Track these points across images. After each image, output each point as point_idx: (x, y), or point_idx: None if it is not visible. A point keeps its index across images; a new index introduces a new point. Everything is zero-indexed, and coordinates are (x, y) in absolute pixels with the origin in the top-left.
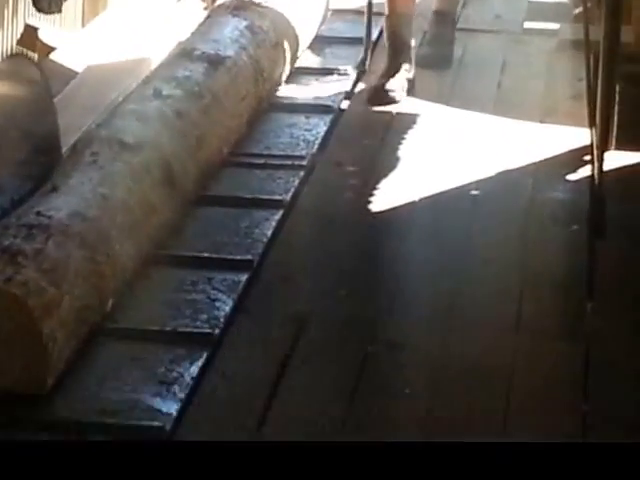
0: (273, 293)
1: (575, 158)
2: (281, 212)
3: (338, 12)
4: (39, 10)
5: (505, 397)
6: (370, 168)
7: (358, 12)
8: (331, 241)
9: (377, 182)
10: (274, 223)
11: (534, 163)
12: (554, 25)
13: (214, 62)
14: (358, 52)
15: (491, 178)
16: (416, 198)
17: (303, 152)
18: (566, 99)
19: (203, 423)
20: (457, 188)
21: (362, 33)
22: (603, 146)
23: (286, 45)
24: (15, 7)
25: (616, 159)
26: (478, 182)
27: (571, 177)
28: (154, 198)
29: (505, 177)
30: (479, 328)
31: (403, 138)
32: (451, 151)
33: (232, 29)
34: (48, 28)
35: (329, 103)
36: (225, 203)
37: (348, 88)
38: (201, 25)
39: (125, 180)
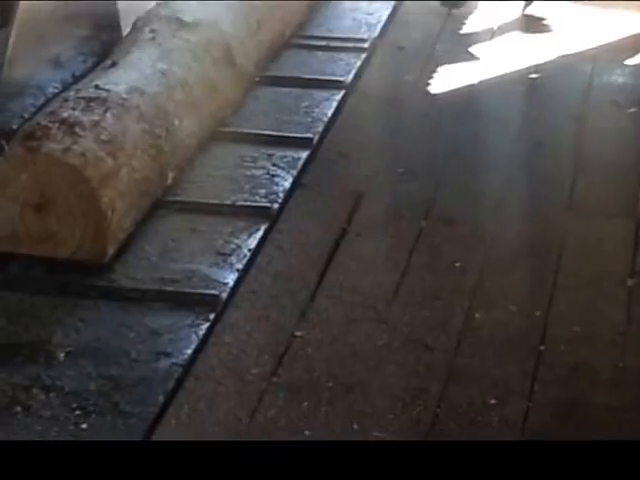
0: (331, 170)
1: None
2: (342, 93)
3: None
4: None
5: (553, 273)
6: (430, 52)
7: None
8: (390, 122)
9: (437, 66)
10: (335, 103)
11: (593, 48)
12: None
13: None
14: None
15: (549, 62)
16: (475, 81)
17: (365, 35)
18: None
19: (259, 293)
20: (516, 72)
21: None
22: None
23: None
24: None
25: None
26: (537, 66)
27: (630, 62)
28: (214, 76)
29: (565, 61)
30: (532, 205)
31: (464, 23)
32: (512, 36)
33: None
34: None
35: None
36: (286, 83)
37: None
38: None
39: (184, 57)
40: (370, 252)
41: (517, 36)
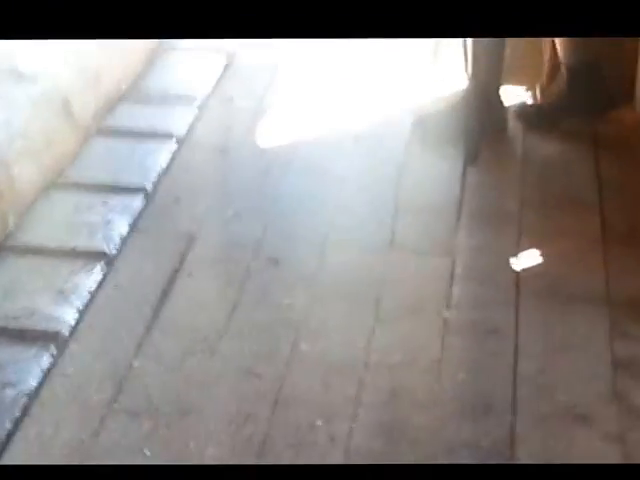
0: (165, 215)
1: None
2: (175, 144)
3: None
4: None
5: (375, 306)
6: (261, 105)
7: None
8: (222, 170)
9: (267, 118)
10: (169, 154)
11: (416, 100)
12: None
13: None
14: None
15: (374, 115)
16: (303, 134)
17: (198, 89)
18: None
19: (98, 328)
20: (340, 128)
21: None
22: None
23: None
24: None
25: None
26: (362, 119)
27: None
28: (53, 127)
29: (386, 117)
30: (354, 246)
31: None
32: (338, 86)
33: None
34: None
35: None
36: (122, 135)
37: None
38: None
39: (24, 109)
40: (202, 290)
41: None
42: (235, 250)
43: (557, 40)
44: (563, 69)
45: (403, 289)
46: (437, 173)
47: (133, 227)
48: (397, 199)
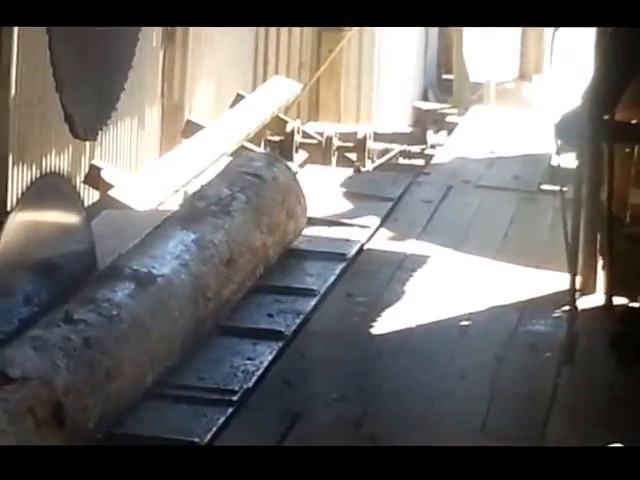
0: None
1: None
2: None
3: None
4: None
5: None
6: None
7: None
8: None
9: (382, 310)
10: None
11: (523, 301)
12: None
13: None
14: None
15: (481, 312)
16: (413, 324)
17: (236, 386)
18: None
19: None
20: (450, 319)
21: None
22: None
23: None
24: (81, 149)
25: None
26: (470, 314)
27: (554, 314)
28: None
29: (493, 311)
30: (447, 429)
31: (411, 275)
32: (451, 288)
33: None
34: (110, 168)
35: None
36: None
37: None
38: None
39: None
40: None
41: (454, 286)
42: (335, 428)
43: None
44: None
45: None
46: (534, 366)
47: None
48: (493, 388)
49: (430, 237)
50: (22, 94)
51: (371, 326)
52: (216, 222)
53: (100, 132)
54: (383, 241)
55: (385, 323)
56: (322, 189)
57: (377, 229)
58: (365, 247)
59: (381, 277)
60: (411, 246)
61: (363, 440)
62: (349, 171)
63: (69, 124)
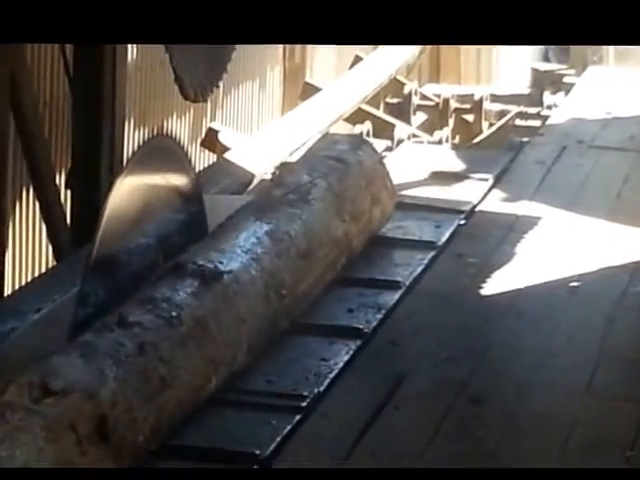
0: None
1: None
2: None
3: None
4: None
5: (562, 445)
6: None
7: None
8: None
9: (492, 271)
10: None
11: (634, 262)
12: None
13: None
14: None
15: (592, 272)
16: (522, 285)
17: (306, 391)
18: None
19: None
20: (560, 280)
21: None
22: None
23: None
24: (202, 112)
25: None
26: (580, 275)
27: None
28: (79, 460)
29: (604, 272)
30: (553, 389)
31: (522, 237)
32: (562, 249)
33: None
34: (227, 131)
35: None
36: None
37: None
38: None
39: (36, 440)
40: (403, 422)
41: (566, 247)
42: (441, 389)
43: None
44: None
45: (591, 431)
46: None
47: (348, 366)
48: (601, 349)
49: (542, 198)
50: (144, 59)
51: (480, 287)
52: (293, 212)
53: (211, 93)
54: (495, 203)
55: (495, 284)
56: (416, 169)
57: (489, 190)
58: (477, 209)
59: (492, 239)
60: (523, 207)
61: (468, 402)
62: (445, 148)
63: (179, 85)
